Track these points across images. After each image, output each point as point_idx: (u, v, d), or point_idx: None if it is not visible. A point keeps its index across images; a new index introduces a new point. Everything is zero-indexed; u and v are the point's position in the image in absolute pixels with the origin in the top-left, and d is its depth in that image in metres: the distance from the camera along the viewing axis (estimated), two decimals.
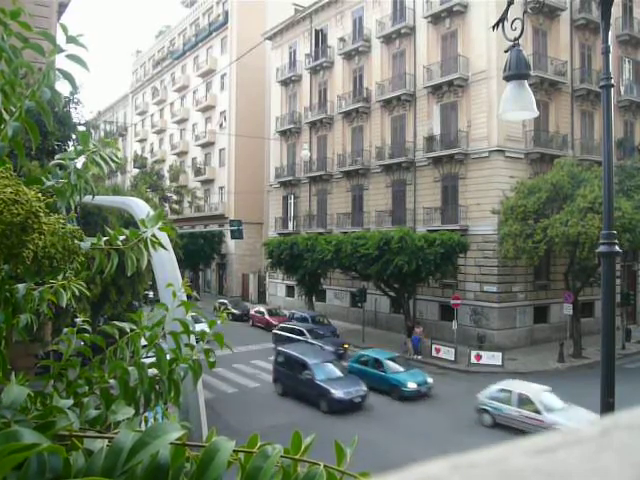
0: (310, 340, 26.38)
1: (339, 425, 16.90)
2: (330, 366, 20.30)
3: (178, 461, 0.84)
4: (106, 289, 17.22)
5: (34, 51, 1.43)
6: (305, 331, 27.72)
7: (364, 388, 19.35)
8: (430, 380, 20.76)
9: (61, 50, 1.46)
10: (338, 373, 20.01)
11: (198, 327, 1.77)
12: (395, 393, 20.32)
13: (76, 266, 1.50)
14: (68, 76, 1.52)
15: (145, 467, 0.77)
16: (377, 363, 21.52)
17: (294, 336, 27.39)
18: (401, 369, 21.12)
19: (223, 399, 20.29)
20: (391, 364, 21.41)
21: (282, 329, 29.11)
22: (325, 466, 0.86)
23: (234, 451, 0.86)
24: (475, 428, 17.53)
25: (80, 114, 14.26)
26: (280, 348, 22.63)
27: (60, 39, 1.75)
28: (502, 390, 18.19)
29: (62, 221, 1.41)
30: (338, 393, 18.54)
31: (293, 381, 20.33)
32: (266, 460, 0.82)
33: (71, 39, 1.46)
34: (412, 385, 20.07)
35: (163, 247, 1.61)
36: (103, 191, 18.36)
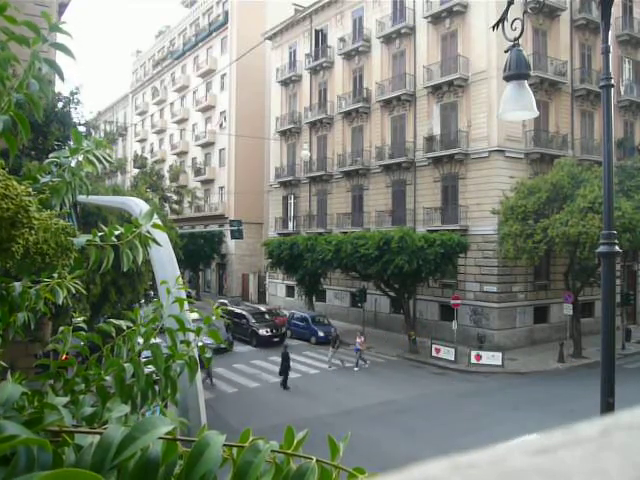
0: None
1: (338, 423, 16.89)
2: None
3: (170, 457, 0.83)
4: (106, 289, 17.15)
5: (18, 43, 1.41)
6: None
7: None
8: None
9: (45, 40, 1.44)
10: None
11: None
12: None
13: (70, 263, 1.49)
14: (53, 65, 1.50)
15: (135, 462, 0.77)
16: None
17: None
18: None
19: (223, 399, 20.29)
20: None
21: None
22: (318, 460, 0.86)
23: (226, 446, 0.85)
24: None
25: (80, 114, 14.28)
26: None
27: (60, 38, 1.72)
28: None
29: (55, 217, 1.40)
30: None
31: None
32: (257, 455, 0.81)
33: (54, 27, 1.45)
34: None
35: (157, 243, 1.61)
36: (103, 191, 18.29)
